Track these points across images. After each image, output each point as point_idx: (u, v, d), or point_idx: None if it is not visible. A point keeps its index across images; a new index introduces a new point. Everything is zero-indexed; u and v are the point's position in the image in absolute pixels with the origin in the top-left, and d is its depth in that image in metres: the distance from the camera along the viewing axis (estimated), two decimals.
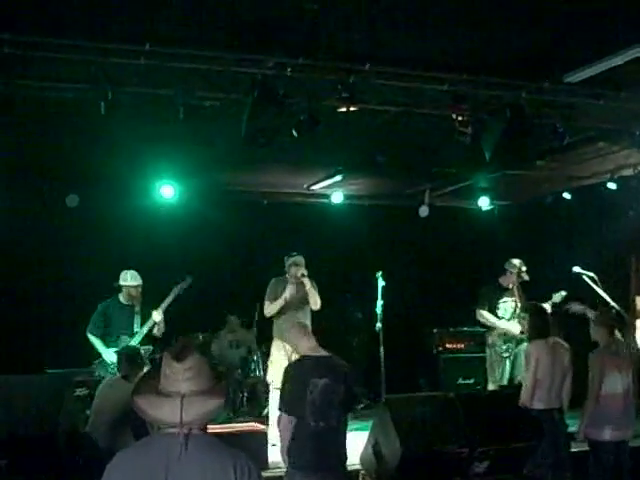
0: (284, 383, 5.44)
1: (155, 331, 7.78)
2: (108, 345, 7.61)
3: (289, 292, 7.98)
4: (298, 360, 5.70)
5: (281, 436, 5.41)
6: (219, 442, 2.65)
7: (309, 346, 5.51)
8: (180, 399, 2.53)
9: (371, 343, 9.02)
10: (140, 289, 7.85)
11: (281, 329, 7.98)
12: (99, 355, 7.64)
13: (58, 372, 8.13)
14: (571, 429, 6.70)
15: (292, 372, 5.54)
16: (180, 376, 2.58)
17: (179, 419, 2.51)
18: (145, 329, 7.71)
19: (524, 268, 8.75)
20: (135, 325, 7.75)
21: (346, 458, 5.54)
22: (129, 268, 7.93)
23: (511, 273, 8.76)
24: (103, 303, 7.84)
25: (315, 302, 8.03)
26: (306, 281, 7.94)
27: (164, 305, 7.78)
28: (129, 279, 7.82)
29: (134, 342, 7.57)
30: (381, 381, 8.66)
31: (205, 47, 5.48)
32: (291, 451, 5.30)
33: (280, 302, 8.03)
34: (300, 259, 8.08)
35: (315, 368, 5.35)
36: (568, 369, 6.49)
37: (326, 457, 5.28)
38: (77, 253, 9.72)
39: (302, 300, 8.09)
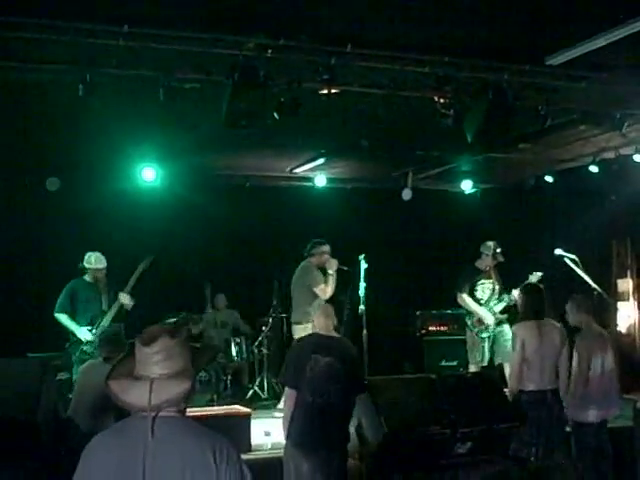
0: (288, 357, 5.54)
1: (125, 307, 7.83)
2: (79, 324, 7.62)
3: (333, 269, 8.37)
4: (305, 336, 5.83)
5: (284, 410, 5.52)
6: (198, 425, 2.64)
7: (322, 325, 5.65)
8: (149, 383, 2.53)
9: (354, 326, 9.03)
10: (105, 271, 7.88)
11: (308, 312, 8.19)
12: (70, 337, 7.62)
13: (39, 356, 8.10)
14: None
15: (296, 347, 5.72)
16: (149, 360, 2.58)
17: (147, 402, 2.50)
18: (114, 310, 7.75)
19: (499, 250, 8.82)
20: (103, 303, 7.78)
21: (347, 438, 5.57)
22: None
23: (487, 255, 8.84)
24: (69, 284, 7.86)
25: (332, 290, 8.41)
26: (334, 271, 8.38)
27: (129, 286, 7.85)
28: (94, 262, 7.86)
29: (106, 322, 7.59)
30: (364, 364, 8.68)
31: (185, 28, 5.41)
32: (291, 426, 5.35)
33: (333, 279, 8.37)
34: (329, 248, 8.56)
35: (319, 345, 5.46)
36: (560, 349, 6.42)
37: (323, 435, 5.30)
38: (57, 236, 9.66)
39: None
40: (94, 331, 7.51)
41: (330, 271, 8.35)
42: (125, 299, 7.78)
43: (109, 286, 7.89)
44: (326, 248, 8.55)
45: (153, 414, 2.52)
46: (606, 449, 6.47)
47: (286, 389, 5.51)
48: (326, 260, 8.41)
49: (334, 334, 5.69)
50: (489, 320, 8.63)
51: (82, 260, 7.91)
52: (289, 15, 5.40)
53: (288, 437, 5.40)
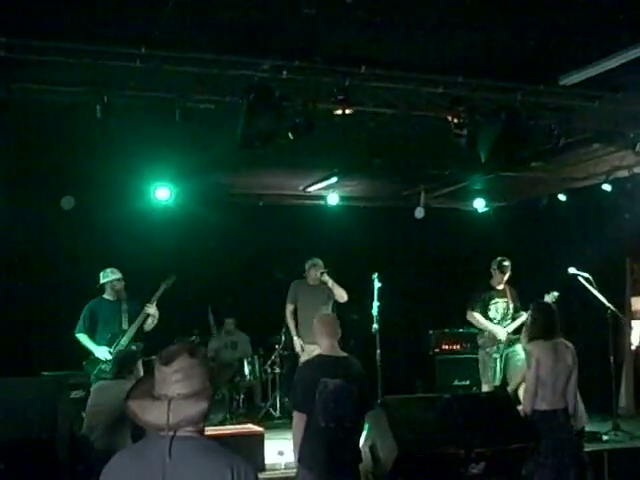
0: (296, 381, 5.43)
1: (146, 326, 7.81)
2: (99, 343, 7.63)
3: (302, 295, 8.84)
4: (311, 358, 5.72)
5: (293, 434, 5.38)
6: (216, 445, 2.64)
7: (327, 345, 5.48)
8: (167, 402, 2.54)
9: (367, 345, 9.02)
10: (123, 282, 7.89)
11: (302, 330, 8.72)
12: (88, 355, 7.64)
13: (53, 374, 8.13)
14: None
15: (304, 370, 5.55)
16: (168, 379, 2.59)
17: (165, 422, 2.51)
18: (137, 324, 7.74)
19: (506, 263, 8.72)
20: (124, 322, 7.75)
21: (360, 460, 5.52)
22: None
23: (494, 270, 8.77)
24: (89, 303, 7.86)
25: (341, 296, 8.72)
26: (326, 278, 8.66)
27: (155, 298, 7.84)
28: (110, 274, 7.86)
29: (125, 340, 7.59)
30: (377, 382, 8.67)
31: (201, 50, 5.49)
32: (302, 450, 5.27)
33: (290, 307, 8.90)
34: (318, 260, 8.85)
35: (327, 367, 5.33)
36: (572, 369, 6.42)
37: (337, 459, 5.22)
38: (72, 255, 9.72)
39: (323, 301, 8.69)
40: (112, 350, 7.51)
41: (311, 282, 8.80)
42: (151, 309, 7.78)
43: (129, 303, 7.88)
44: (310, 262, 8.87)
45: (171, 434, 2.54)
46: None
47: (295, 412, 5.36)
48: (315, 272, 8.77)
49: (340, 353, 5.54)
50: (501, 335, 8.55)
51: (98, 281, 7.93)
52: (304, 37, 5.47)
53: (300, 460, 5.31)
